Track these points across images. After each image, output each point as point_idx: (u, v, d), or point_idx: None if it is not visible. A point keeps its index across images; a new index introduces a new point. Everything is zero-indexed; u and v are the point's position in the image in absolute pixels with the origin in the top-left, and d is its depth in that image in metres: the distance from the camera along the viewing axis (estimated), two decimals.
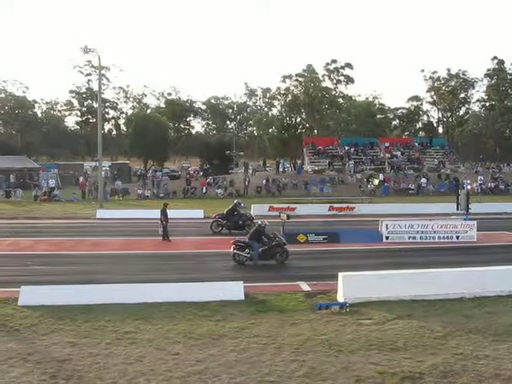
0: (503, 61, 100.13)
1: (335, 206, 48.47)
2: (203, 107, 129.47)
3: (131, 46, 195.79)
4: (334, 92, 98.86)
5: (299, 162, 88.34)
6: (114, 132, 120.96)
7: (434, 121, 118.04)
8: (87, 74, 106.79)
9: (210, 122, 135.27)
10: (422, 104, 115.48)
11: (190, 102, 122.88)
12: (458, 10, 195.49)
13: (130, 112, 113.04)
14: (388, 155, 76.10)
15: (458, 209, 35.47)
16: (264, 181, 66.36)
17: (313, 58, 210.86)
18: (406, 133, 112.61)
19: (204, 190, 63.49)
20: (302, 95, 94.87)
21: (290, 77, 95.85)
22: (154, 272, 23.82)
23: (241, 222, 35.09)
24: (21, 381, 12.04)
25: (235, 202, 36.96)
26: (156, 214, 33.61)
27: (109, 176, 72.00)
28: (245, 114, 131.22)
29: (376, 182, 29.63)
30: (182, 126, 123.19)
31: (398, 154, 76.63)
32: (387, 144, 79.71)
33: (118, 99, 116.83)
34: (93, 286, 19.22)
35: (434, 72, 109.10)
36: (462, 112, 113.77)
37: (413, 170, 72.22)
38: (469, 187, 36.58)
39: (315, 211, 46.45)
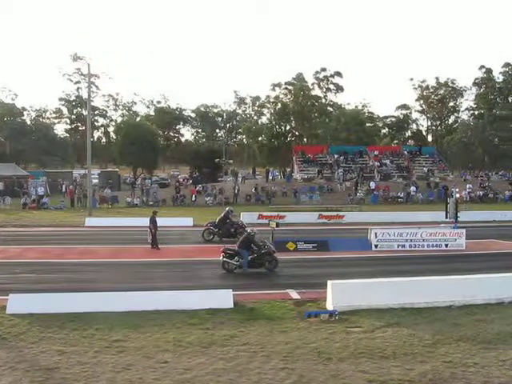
0: (491, 69, 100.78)
1: (324, 214, 48.58)
2: (193, 115, 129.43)
3: (121, 53, 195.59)
4: (323, 100, 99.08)
5: (289, 170, 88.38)
6: (104, 140, 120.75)
7: (423, 129, 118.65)
8: (76, 82, 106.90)
9: (200, 130, 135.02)
10: (411, 112, 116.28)
11: (179, 109, 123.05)
12: (446, 18, 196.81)
13: (119, 120, 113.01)
14: (377, 163, 76.30)
15: (446, 217, 35.53)
16: (253, 189, 66.41)
17: (302, 67, 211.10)
18: (395, 141, 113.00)
19: (193, 198, 63.35)
20: (291, 103, 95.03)
21: (279, 85, 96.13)
22: (143, 280, 23.74)
23: (233, 230, 34.98)
24: None
25: (227, 209, 36.84)
26: (145, 222, 33.59)
27: (98, 184, 71.76)
28: (234, 122, 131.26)
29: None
30: (171, 133, 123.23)
31: (387, 162, 76.86)
32: (376, 152, 79.96)
33: (108, 107, 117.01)
34: (81, 294, 19.14)
35: (423, 81, 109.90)
36: (451, 120, 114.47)
37: (402, 179, 72.40)
38: (457, 195, 36.66)
39: (304, 219, 46.48)
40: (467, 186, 67.11)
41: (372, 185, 67.82)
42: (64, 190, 66.46)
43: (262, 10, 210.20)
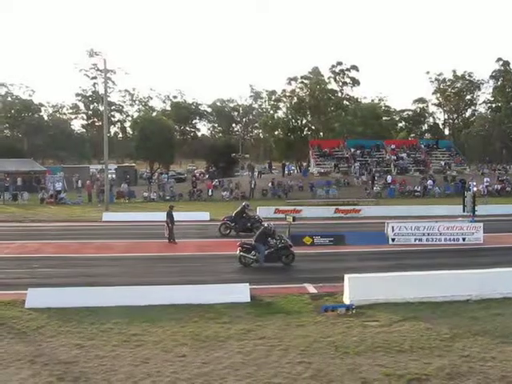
0: (508, 62, 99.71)
1: (341, 208, 48.40)
2: (209, 110, 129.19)
3: (137, 48, 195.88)
4: (339, 94, 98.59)
5: (305, 164, 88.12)
6: (120, 135, 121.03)
7: (440, 123, 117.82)
8: (93, 77, 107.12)
9: (216, 125, 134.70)
10: (427, 106, 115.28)
11: (195, 104, 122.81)
12: (463, 11, 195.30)
13: (135, 115, 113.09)
14: (394, 157, 75.93)
15: (464, 211, 35.37)
16: (270, 183, 66.28)
17: (318, 61, 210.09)
18: (412, 135, 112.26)
19: (210, 193, 63.42)
20: (307, 97, 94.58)
21: (295, 79, 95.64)
22: (160, 274, 23.88)
23: (249, 225, 34.93)
24: (28, 382, 12.13)
25: (244, 204, 36.77)
26: (162, 216, 33.64)
27: (115, 179, 71.99)
28: (250, 117, 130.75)
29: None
30: (187, 128, 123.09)
31: (404, 155, 76.44)
32: (393, 146, 79.42)
33: (124, 102, 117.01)
34: (99, 288, 19.29)
35: (440, 74, 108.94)
36: (468, 114, 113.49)
37: (419, 172, 72.03)
38: (475, 189, 36.44)
39: (321, 213, 46.27)
40: (485, 179, 66.52)
41: (388, 179, 67.51)
42: (80, 185, 66.61)
43: (278, 3, 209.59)
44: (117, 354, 13.84)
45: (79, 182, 67.68)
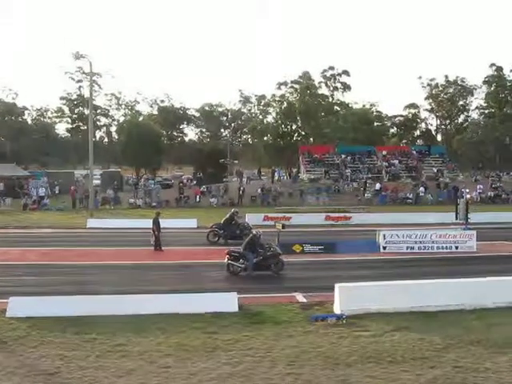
0: (502, 68, 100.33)
1: (331, 215, 48.25)
2: (197, 114, 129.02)
3: (123, 51, 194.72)
4: (330, 99, 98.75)
5: (295, 170, 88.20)
6: (106, 139, 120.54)
7: (433, 129, 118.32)
8: (78, 81, 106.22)
9: (204, 130, 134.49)
10: (419, 112, 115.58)
11: (183, 109, 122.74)
12: (456, 16, 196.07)
13: (121, 119, 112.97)
14: (385, 164, 75.90)
15: (456, 218, 35.30)
16: (259, 189, 66.01)
17: (309, 65, 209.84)
18: (403, 141, 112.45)
19: (197, 199, 63.19)
20: (297, 102, 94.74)
21: (285, 84, 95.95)
22: (146, 283, 23.61)
23: (238, 232, 34.59)
24: None
25: (233, 211, 36.56)
26: (148, 223, 33.36)
27: (100, 184, 71.46)
28: (239, 122, 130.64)
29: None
30: (175, 133, 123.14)
31: (396, 162, 76.42)
32: (385, 152, 79.56)
33: (110, 106, 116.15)
34: (83, 297, 18.94)
35: (432, 79, 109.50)
36: (460, 120, 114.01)
37: (411, 179, 71.91)
38: (468, 196, 36.32)
39: (311, 221, 46.07)
40: (478, 186, 66.54)
41: (377, 186, 67.26)
42: (57, 191, 66.06)
43: (268, 7, 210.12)
44: (100, 365, 13.57)
45: (57, 188, 67.10)
